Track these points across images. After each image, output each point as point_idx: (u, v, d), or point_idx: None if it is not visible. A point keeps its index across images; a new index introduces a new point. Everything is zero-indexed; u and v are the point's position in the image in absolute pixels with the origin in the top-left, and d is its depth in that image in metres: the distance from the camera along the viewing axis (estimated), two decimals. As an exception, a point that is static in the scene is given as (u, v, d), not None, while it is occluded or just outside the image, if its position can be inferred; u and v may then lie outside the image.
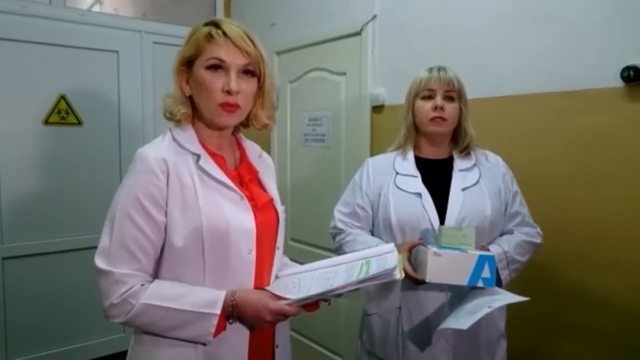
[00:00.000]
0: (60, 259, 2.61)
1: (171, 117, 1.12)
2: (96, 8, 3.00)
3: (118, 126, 2.78)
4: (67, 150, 2.62)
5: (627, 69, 1.48)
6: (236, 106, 1.07)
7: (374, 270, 1.04)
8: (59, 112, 2.57)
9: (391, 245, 1.19)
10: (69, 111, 2.61)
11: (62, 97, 2.58)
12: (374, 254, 1.16)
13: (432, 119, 1.46)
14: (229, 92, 1.05)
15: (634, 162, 1.52)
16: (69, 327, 2.65)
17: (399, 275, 1.02)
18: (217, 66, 1.06)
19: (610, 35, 1.55)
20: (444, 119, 1.45)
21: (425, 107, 1.47)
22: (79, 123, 2.64)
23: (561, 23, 1.66)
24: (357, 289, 1.02)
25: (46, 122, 2.54)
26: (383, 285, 1.46)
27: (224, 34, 1.06)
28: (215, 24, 1.08)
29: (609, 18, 1.55)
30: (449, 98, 1.46)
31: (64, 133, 2.60)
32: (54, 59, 2.55)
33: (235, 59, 1.06)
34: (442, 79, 1.45)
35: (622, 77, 1.50)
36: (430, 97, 1.46)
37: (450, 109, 1.46)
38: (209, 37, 1.06)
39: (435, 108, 1.44)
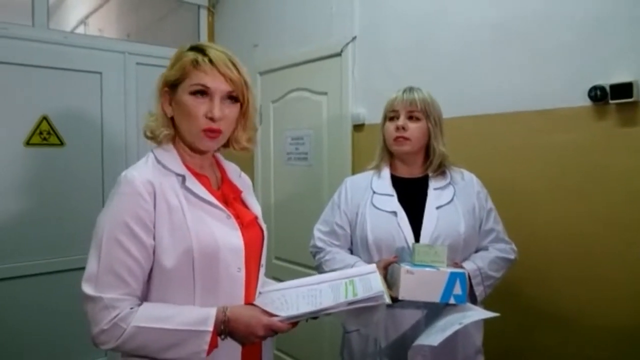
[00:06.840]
0: (41, 281, 2.57)
1: (152, 137, 1.13)
2: (81, 29, 3.03)
3: (101, 147, 2.78)
4: (49, 171, 2.60)
5: (594, 88, 1.54)
6: (219, 132, 1.09)
7: (360, 290, 1.05)
8: (40, 133, 2.57)
9: (373, 266, 1.22)
10: (51, 132, 2.60)
11: (44, 118, 2.58)
12: (356, 273, 1.18)
13: (395, 139, 1.50)
14: (212, 119, 1.06)
15: (603, 177, 1.56)
16: (49, 351, 2.59)
17: (387, 299, 1.04)
18: (202, 92, 1.07)
19: (578, 57, 1.61)
20: (406, 139, 1.49)
21: (390, 128, 1.51)
22: (61, 144, 2.64)
23: (532, 46, 1.72)
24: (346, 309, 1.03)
25: (27, 143, 2.53)
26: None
27: (210, 61, 1.07)
28: (201, 50, 1.09)
29: (577, 41, 1.61)
30: (414, 118, 1.50)
31: (46, 154, 2.59)
32: (36, 81, 2.55)
33: (219, 86, 1.07)
34: (405, 100, 1.49)
35: (590, 97, 1.55)
36: (396, 118, 1.51)
37: (414, 128, 1.49)
38: (195, 63, 1.07)
39: (397, 128, 1.48)
